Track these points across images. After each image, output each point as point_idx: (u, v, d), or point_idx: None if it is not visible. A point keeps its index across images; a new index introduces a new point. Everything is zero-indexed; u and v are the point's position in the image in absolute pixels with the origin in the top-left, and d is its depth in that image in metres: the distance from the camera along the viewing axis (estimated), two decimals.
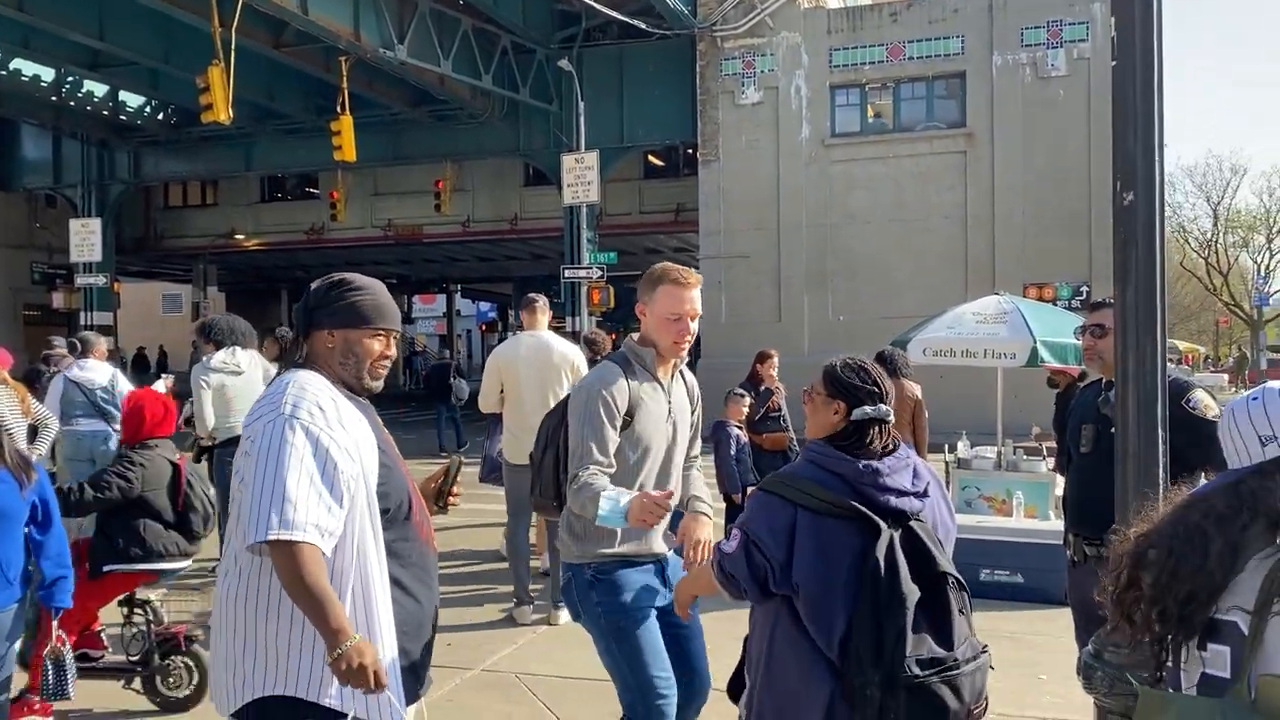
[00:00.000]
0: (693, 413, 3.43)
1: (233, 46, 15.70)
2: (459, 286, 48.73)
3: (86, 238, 27.24)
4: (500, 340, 42.37)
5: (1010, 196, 20.20)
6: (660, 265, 3.30)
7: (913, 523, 2.48)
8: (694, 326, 3.25)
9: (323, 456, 2.33)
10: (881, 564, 2.36)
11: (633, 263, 34.73)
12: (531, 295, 6.78)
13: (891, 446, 2.58)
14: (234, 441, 6.20)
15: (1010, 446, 8.23)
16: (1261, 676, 1.61)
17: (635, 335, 3.43)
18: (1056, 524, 7.41)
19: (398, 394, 39.90)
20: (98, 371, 7.69)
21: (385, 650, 2.39)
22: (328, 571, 2.29)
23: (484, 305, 57.06)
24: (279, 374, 2.58)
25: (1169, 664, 1.80)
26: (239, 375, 6.82)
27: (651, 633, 3.22)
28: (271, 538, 2.23)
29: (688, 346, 3.26)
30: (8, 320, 27.95)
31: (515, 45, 22.35)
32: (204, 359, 6.86)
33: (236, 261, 35.65)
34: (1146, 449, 2.29)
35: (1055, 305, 15.97)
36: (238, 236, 31.82)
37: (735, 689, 2.73)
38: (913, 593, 2.36)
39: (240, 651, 2.39)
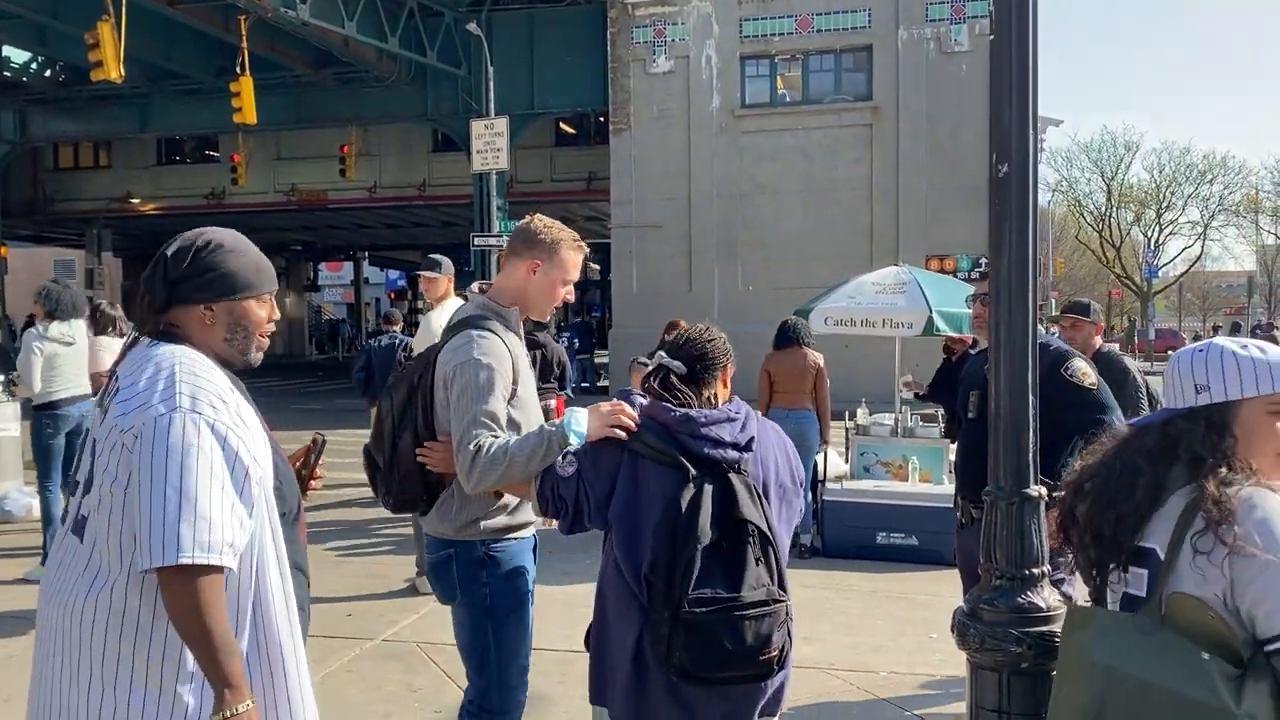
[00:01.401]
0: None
1: (124, 2, 15.06)
2: (366, 254, 47.86)
3: None
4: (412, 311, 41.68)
5: (913, 169, 20.59)
6: (555, 223, 3.09)
7: (731, 474, 2.55)
8: None
9: (232, 459, 2.00)
10: (684, 506, 2.46)
11: None
12: (433, 256, 6.59)
13: (690, 400, 2.66)
14: (51, 406, 6.99)
15: (907, 414, 8.44)
16: (1171, 594, 1.80)
17: (482, 287, 3.10)
18: (949, 488, 7.64)
19: (304, 364, 39.16)
20: None
21: (290, 678, 2.11)
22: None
23: (393, 273, 56.15)
24: (128, 350, 2.18)
25: (1099, 583, 1.99)
26: (71, 346, 7.10)
27: (527, 621, 3.09)
28: (185, 561, 1.86)
29: None
30: None
31: (422, 7, 21.91)
32: (40, 326, 7.13)
33: (133, 227, 34.39)
34: (1017, 413, 2.37)
35: (955, 277, 16.36)
36: (133, 200, 30.69)
37: (589, 636, 2.81)
38: (705, 535, 2.44)
39: (122, 687, 1.96)
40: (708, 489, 2.50)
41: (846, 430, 8.60)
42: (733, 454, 2.60)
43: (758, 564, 2.50)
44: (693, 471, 2.52)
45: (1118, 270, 48.69)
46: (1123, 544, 1.91)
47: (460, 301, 6.29)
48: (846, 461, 8.41)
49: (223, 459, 1.98)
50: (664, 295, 21.01)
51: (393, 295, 56.91)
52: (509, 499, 3.01)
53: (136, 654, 1.97)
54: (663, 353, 2.73)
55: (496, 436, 2.77)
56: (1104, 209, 49.16)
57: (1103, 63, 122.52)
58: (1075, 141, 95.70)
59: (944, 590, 6.57)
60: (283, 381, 27.48)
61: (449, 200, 28.16)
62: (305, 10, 18.60)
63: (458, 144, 24.09)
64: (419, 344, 6.57)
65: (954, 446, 8.23)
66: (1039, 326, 2.50)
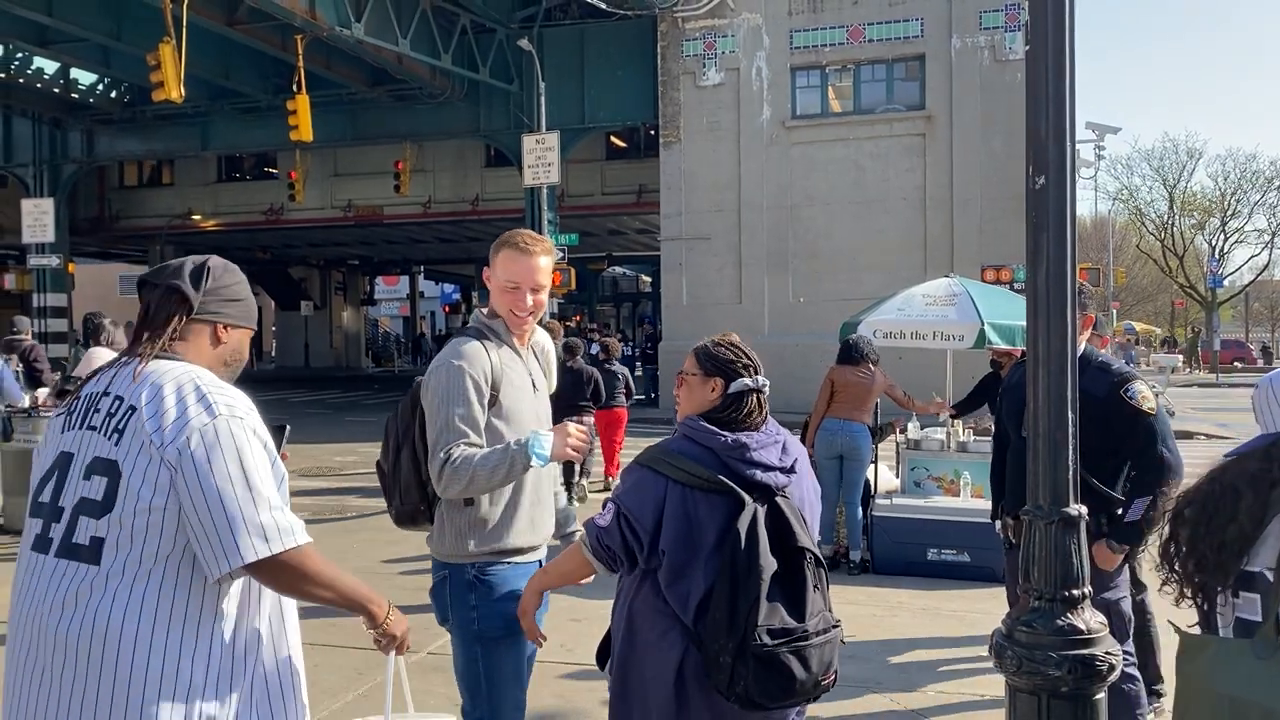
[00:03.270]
0: (545, 375, 3.16)
1: (184, 23, 15.44)
2: (422, 268, 48.43)
3: (39, 218, 26.75)
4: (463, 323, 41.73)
5: (968, 179, 20.35)
6: (510, 231, 3.01)
7: (778, 498, 2.54)
8: (539, 299, 2.94)
9: (272, 458, 2.09)
10: (742, 536, 2.43)
11: (596, 244, 34.73)
12: None
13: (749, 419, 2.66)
14: None
15: (959, 427, 8.31)
16: None
17: (484, 308, 3.10)
18: None
19: (361, 376, 39.67)
20: None
21: (295, 661, 2.18)
22: (243, 590, 2.06)
23: (448, 286, 56.79)
24: (118, 361, 2.16)
25: (1206, 610, 1.97)
26: None
27: (521, 648, 2.95)
28: (278, 550, 1.98)
29: (529, 320, 2.96)
30: None
31: (475, 24, 22.16)
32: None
33: (194, 242, 35.11)
34: (1056, 430, 2.31)
35: (1010, 288, 16.12)
36: (195, 217, 31.40)
37: (603, 656, 2.80)
38: (769, 565, 2.43)
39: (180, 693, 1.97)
40: (760, 515, 2.49)
41: (897, 444, 8.50)
42: (781, 478, 2.59)
43: (815, 590, 2.49)
44: (747, 499, 2.49)
45: (1181, 280, 47.62)
46: (1228, 569, 1.89)
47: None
48: (897, 476, 8.30)
49: (266, 457, 2.06)
50: (714, 307, 20.98)
51: (447, 309, 57.58)
52: (490, 518, 2.90)
53: (196, 661, 1.99)
54: (761, 378, 2.69)
55: (470, 444, 2.79)
56: (1166, 217, 48.13)
57: (1162, 70, 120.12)
58: (1136, 149, 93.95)
59: (996, 609, 6.42)
60: (341, 395, 27.90)
61: (502, 214, 28.39)
62: (360, 29, 18.92)
63: (510, 159, 24.30)
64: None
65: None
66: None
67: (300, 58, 19.03)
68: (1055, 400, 2.30)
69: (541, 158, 21.94)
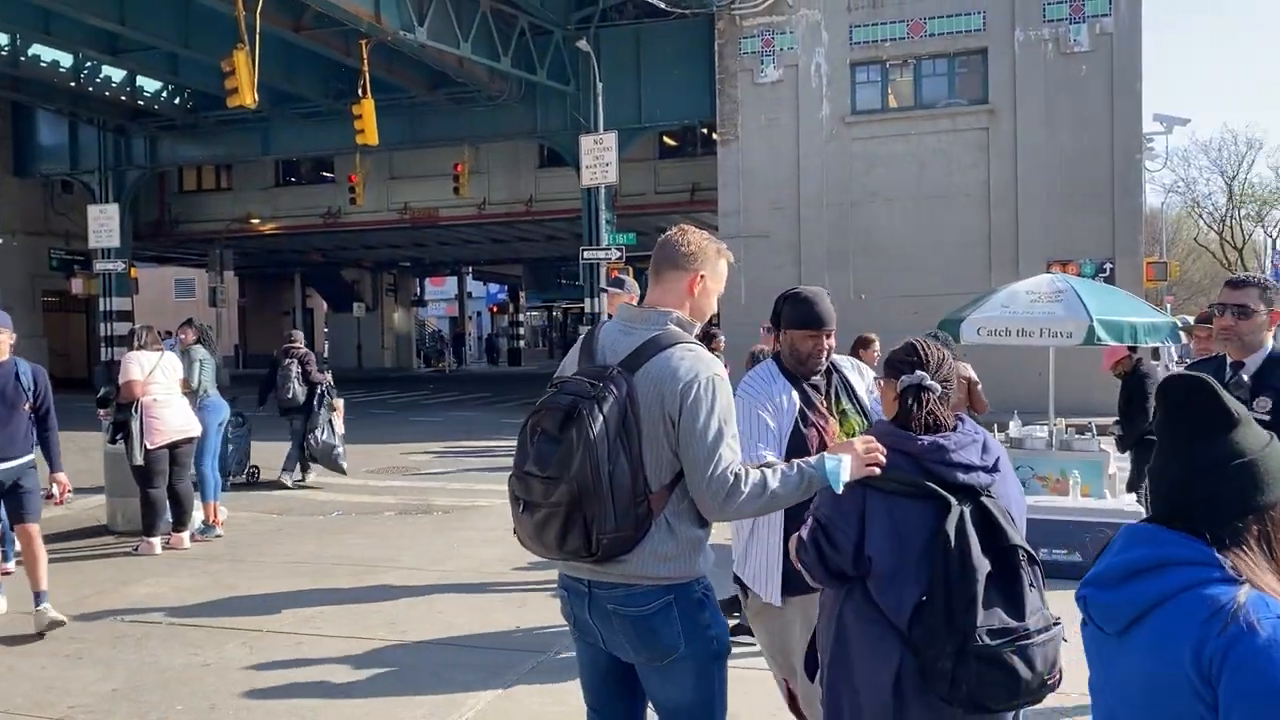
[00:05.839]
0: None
1: (257, 30, 15.65)
2: (470, 268, 48.71)
3: (105, 223, 27.25)
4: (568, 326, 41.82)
5: (1033, 173, 20.09)
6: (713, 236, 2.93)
7: (983, 498, 2.51)
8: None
9: None
10: (952, 538, 2.40)
11: (648, 243, 34.53)
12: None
13: (935, 419, 2.62)
14: None
15: (1061, 425, 8.22)
16: None
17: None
18: (1114, 502, 7.43)
19: (412, 377, 39.98)
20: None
21: None
22: None
23: (493, 287, 57.03)
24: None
25: None
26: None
27: None
28: None
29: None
30: (27, 307, 27.95)
31: (533, 26, 22.25)
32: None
33: (251, 245, 35.66)
34: None
35: None
36: (253, 221, 31.83)
37: (811, 666, 2.79)
38: (983, 565, 2.41)
39: None
40: (967, 516, 2.47)
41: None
42: (984, 478, 2.58)
43: (1031, 589, 2.48)
44: (953, 502, 2.47)
45: (1240, 272, 46.72)
46: None
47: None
48: None
49: None
50: (773, 306, 20.85)
51: (494, 308, 57.84)
52: (708, 532, 2.75)
53: None
54: (923, 374, 2.67)
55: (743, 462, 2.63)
56: (1224, 210, 47.28)
57: (1224, 61, 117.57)
58: (1193, 140, 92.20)
59: None
60: (399, 395, 28.12)
61: (554, 215, 28.54)
62: (423, 33, 19.07)
63: (564, 159, 24.37)
64: None
65: (1114, 458, 8.02)
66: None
67: (365, 62, 19.21)
68: None
69: (599, 158, 21.98)
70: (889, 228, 20.96)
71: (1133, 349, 7.67)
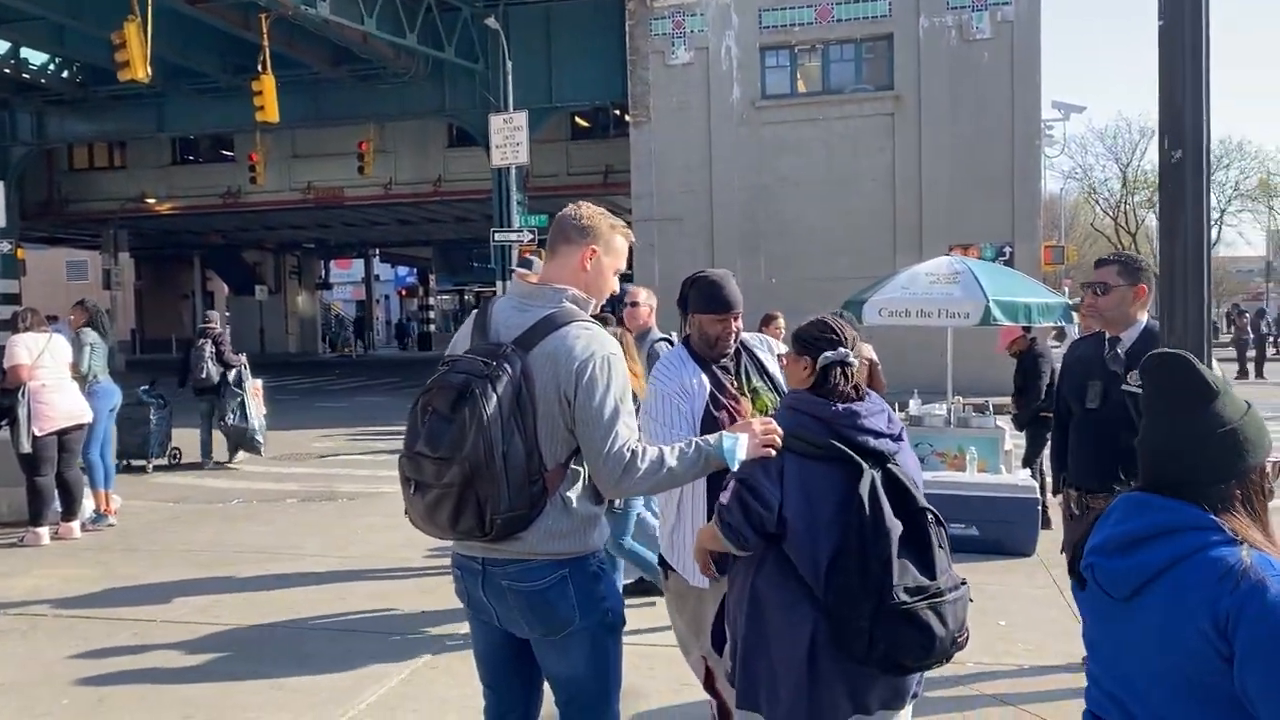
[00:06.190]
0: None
1: (149, 1, 15.05)
2: (377, 251, 47.84)
3: None
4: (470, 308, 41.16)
5: (937, 159, 20.51)
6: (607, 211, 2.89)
7: (890, 464, 2.59)
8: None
9: None
10: (865, 500, 2.47)
11: None
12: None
13: (857, 392, 2.71)
14: None
15: (959, 403, 8.42)
16: None
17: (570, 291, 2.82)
18: (1009, 478, 7.64)
19: (317, 362, 39.16)
20: None
21: None
22: None
23: (402, 270, 56.12)
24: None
25: None
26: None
27: None
28: None
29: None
30: None
31: (440, 3, 21.86)
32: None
33: (147, 226, 34.44)
34: None
35: None
36: (149, 200, 30.72)
37: (719, 640, 2.83)
38: (896, 526, 2.48)
39: None
40: (878, 479, 2.53)
41: None
42: (891, 445, 2.65)
43: (940, 549, 2.53)
44: (865, 465, 2.53)
45: None
46: None
47: None
48: None
49: None
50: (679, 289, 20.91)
51: (403, 292, 56.95)
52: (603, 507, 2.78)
53: None
54: (846, 350, 2.72)
55: (639, 440, 2.61)
56: (1119, 195, 48.95)
57: (1118, 49, 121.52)
58: (1090, 128, 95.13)
59: (1010, 580, 6.55)
60: (304, 380, 27.51)
61: (464, 195, 28.15)
62: (325, 7, 18.57)
63: (474, 139, 24.05)
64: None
65: (1009, 435, 8.25)
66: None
67: (265, 37, 18.63)
68: None
69: (510, 138, 21.72)
70: (799, 211, 21.19)
71: (1027, 329, 7.89)
